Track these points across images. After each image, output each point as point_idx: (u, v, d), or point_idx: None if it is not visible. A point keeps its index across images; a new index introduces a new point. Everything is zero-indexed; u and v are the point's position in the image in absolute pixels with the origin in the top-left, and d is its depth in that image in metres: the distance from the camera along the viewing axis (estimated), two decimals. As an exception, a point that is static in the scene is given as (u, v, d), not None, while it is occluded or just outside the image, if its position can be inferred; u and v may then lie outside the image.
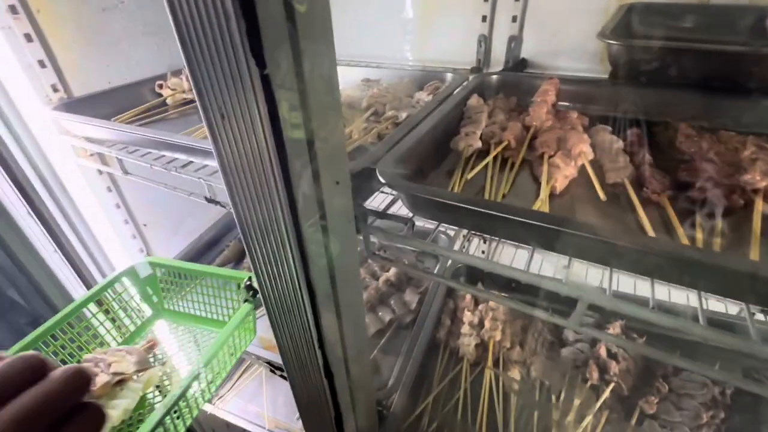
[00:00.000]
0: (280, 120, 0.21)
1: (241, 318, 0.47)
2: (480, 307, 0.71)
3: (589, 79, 0.63)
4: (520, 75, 0.70)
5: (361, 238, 0.40)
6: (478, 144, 0.45)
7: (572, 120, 0.49)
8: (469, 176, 0.42)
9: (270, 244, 0.27)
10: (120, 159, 0.59)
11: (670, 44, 0.47)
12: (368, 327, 0.72)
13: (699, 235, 0.32)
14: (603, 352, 0.60)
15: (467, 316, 0.69)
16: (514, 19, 0.74)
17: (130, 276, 0.60)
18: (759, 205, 0.33)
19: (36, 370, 0.18)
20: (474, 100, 0.54)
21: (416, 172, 0.42)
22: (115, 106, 0.67)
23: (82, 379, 0.18)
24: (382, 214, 0.40)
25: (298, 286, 0.28)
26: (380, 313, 0.74)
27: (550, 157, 0.42)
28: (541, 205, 0.37)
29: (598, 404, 0.54)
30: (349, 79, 0.76)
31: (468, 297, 0.73)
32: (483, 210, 0.30)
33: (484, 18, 0.76)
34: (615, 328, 0.62)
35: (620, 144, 0.44)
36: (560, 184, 0.39)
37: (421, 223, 0.81)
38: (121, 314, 0.59)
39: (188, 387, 0.42)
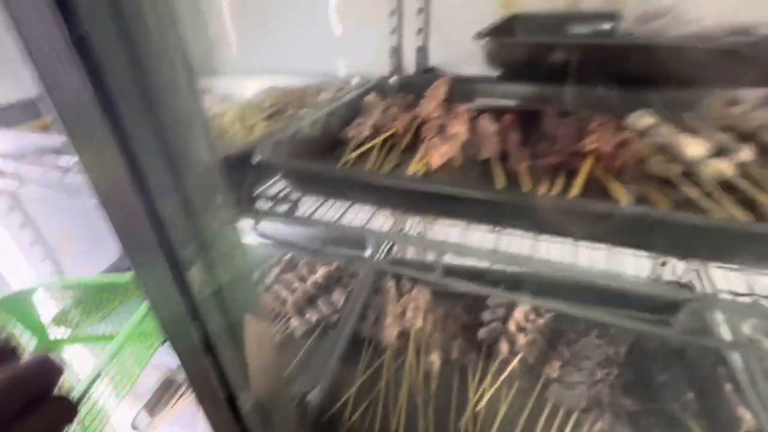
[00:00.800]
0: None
1: (141, 318, 0.46)
2: (403, 299, 0.74)
3: (480, 78, 0.69)
4: (418, 76, 0.76)
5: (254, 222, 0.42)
6: (367, 132, 0.49)
7: (459, 112, 0.55)
8: (353, 155, 0.45)
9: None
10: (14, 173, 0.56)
11: (529, 40, 0.54)
12: (296, 329, 0.72)
13: (542, 189, 0.37)
14: (513, 327, 0.65)
15: (390, 307, 0.71)
16: (419, 31, 0.81)
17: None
18: (588, 162, 0.39)
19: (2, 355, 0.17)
20: (371, 98, 0.58)
21: (305, 158, 0.44)
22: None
23: (51, 366, 0.18)
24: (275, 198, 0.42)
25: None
26: (307, 315, 0.74)
27: (430, 139, 0.47)
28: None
29: (505, 373, 0.58)
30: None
31: (392, 289, 0.75)
32: (340, 176, 0.33)
33: (393, 31, 0.82)
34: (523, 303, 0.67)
35: (495, 128, 0.50)
36: (435, 161, 0.43)
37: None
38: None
39: (88, 389, 0.41)
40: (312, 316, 0.74)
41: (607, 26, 0.65)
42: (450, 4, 0.79)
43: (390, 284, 0.77)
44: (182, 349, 0.35)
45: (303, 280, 0.81)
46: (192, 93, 0.23)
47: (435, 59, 0.84)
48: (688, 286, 0.52)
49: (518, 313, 0.67)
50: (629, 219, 0.31)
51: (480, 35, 0.57)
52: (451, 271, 0.44)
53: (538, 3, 0.70)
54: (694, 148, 0.38)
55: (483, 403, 0.57)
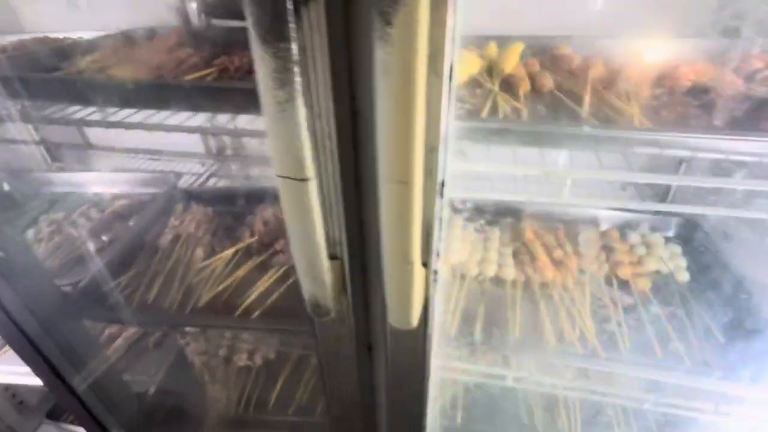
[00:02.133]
0: None
1: None
2: (186, 214, 0.91)
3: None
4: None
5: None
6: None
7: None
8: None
9: None
10: None
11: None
12: (90, 249, 0.86)
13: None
14: (258, 220, 0.85)
15: (171, 222, 0.88)
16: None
17: None
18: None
19: None
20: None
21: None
22: None
23: None
24: None
25: None
26: (103, 237, 0.88)
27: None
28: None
29: (238, 251, 0.78)
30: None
31: (179, 207, 0.92)
32: None
33: None
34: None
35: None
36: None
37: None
38: None
39: None
40: (107, 237, 0.88)
41: None
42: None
43: (179, 204, 0.93)
44: None
45: (102, 211, 0.94)
46: None
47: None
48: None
49: (267, 212, 0.87)
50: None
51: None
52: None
53: None
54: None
55: (222, 268, 0.77)
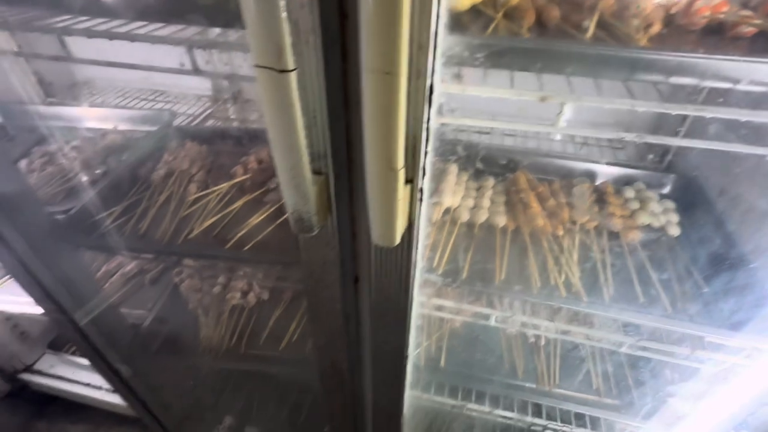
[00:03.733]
0: None
1: None
2: (181, 150, 0.90)
3: None
4: None
5: None
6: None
7: None
8: None
9: None
10: None
11: None
12: (83, 180, 0.86)
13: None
14: (252, 159, 0.84)
15: (165, 158, 0.87)
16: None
17: None
18: None
19: None
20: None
21: None
22: None
23: None
24: None
25: None
26: (97, 170, 0.88)
27: None
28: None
29: (233, 186, 0.78)
30: None
31: (173, 145, 0.91)
32: None
33: None
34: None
35: None
36: None
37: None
38: None
39: None
40: (100, 170, 0.88)
41: None
42: None
43: (173, 142, 0.92)
44: None
45: (95, 145, 0.93)
46: None
47: None
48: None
49: (262, 152, 0.86)
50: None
51: None
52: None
53: None
54: None
55: (215, 203, 0.77)
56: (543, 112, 0.86)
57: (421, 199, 0.39)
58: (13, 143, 0.97)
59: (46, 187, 0.83)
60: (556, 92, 0.42)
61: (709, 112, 0.41)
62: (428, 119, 0.33)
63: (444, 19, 0.30)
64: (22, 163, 0.90)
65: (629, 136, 0.45)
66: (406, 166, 0.34)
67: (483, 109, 0.69)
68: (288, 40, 0.26)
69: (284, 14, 0.26)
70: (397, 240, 0.38)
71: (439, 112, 0.33)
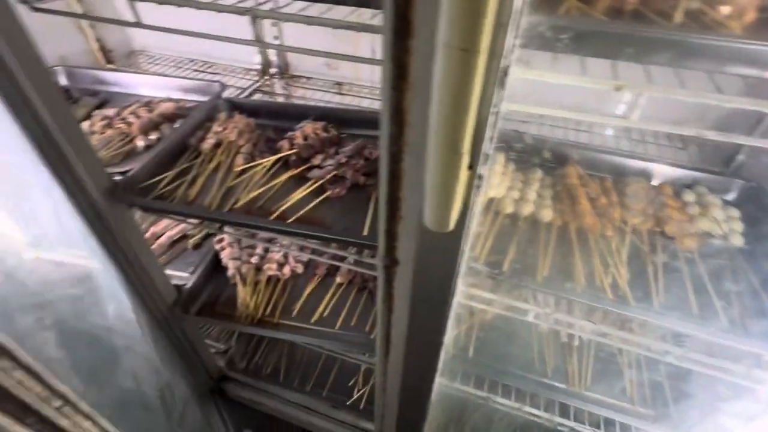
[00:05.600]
0: None
1: None
2: (228, 122, 0.91)
3: None
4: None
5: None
6: None
7: None
8: None
9: None
10: None
11: None
12: (138, 145, 0.90)
13: None
14: (299, 136, 0.85)
15: (214, 126, 0.89)
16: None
17: None
18: None
19: None
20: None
21: None
22: None
23: None
24: None
25: None
26: (151, 136, 0.91)
27: None
28: None
29: (278, 160, 0.79)
30: None
31: (222, 116, 0.93)
32: None
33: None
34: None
35: None
36: None
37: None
38: None
39: None
40: (154, 136, 0.91)
41: None
42: None
43: (222, 113, 0.94)
44: None
45: (150, 111, 0.96)
46: None
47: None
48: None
49: (308, 128, 0.86)
50: None
51: None
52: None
53: None
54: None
55: (261, 176, 0.79)
56: (602, 105, 0.82)
57: (479, 186, 0.38)
58: (77, 105, 1.03)
59: (104, 149, 0.88)
60: (632, 82, 0.39)
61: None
62: (498, 103, 0.32)
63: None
64: (84, 125, 0.95)
65: (710, 135, 0.41)
66: (471, 152, 0.33)
67: (535, 97, 0.66)
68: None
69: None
70: (452, 226, 0.37)
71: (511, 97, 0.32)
